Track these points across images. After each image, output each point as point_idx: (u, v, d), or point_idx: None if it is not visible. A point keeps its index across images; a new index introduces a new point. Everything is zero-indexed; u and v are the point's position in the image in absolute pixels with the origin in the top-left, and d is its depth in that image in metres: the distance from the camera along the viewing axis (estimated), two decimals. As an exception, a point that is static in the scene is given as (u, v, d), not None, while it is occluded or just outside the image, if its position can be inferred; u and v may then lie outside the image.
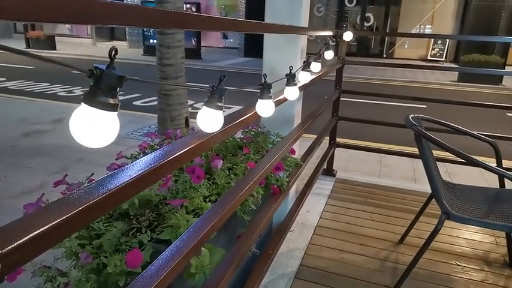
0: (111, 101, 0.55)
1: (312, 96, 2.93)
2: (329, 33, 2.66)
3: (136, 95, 7.14)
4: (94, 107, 0.54)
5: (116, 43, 18.64)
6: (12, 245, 0.44)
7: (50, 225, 0.48)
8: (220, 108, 0.91)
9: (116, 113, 0.57)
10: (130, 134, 4.66)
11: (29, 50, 14.31)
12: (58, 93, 7.23)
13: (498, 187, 2.14)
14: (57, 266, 1.19)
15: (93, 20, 0.55)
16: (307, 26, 2.35)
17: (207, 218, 1.06)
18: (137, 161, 0.73)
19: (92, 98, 0.54)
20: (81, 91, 7.37)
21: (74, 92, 7.32)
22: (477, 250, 2.28)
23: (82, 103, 0.54)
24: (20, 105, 6.06)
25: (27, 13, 0.44)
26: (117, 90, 0.56)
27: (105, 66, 0.56)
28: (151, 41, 13.50)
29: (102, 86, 0.54)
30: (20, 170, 3.49)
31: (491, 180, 3.32)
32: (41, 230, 0.47)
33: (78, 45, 17.02)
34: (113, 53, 0.56)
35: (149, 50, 13.32)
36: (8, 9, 0.40)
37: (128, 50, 15.66)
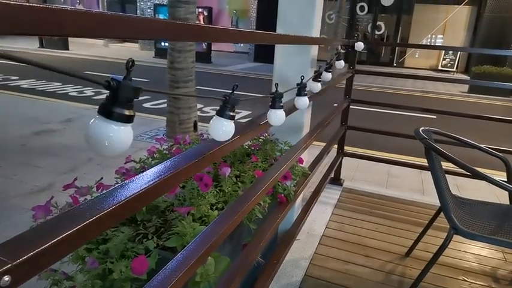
0: (127, 112, 0.55)
1: (320, 103, 2.92)
2: (340, 43, 2.66)
3: (146, 97, 7.20)
4: (110, 119, 0.53)
5: (128, 45, 18.85)
6: (23, 257, 0.44)
7: (59, 237, 0.48)
8: (232, 118, 0.90)
9: (131, 124, 0.56)
10: (138, 136, 4.69)
11: (42, 49, 14.56)
12: (69, 93, 7.30)
13: (508, 203, 2.11)
14: (63, 270, 1.20)
15: (108, 34, 0.55)
16: (318, 34, 2.35)
17: (214, 227, 1.06)
18: (147, 171, 0.73)
19: (108, 110, 0.54)
20: (92, 92, 7.43)
21: (85, 93, 7.39)
22: (485, 266, 2.24)
23: (98, 114, 0.54)
24: (31, 104, 6.13)
25: (29, 27, 0.42)
26: (133, 102, 0.56)
27: (122, 78, 0.55)
28: (162, 43, 13.62)
29: (118, 97, 0.54)
30: (29, 169, 3.52)
31: (501, 196, 3.28)
32: (51, 242, 0.47)
33: (91, 46, 17.21)
34: (130, 64, 0.56)
35: (160, 52, 13.46)
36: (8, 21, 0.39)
37: (139, 52, 15.83)
